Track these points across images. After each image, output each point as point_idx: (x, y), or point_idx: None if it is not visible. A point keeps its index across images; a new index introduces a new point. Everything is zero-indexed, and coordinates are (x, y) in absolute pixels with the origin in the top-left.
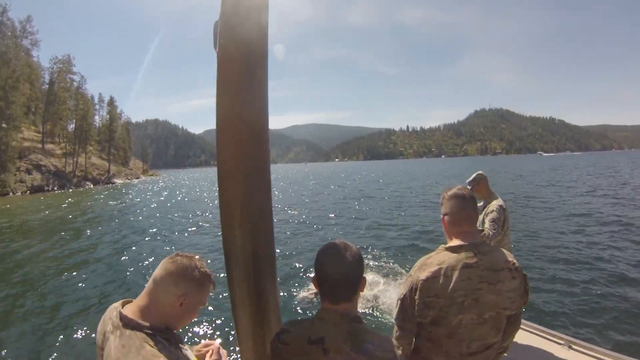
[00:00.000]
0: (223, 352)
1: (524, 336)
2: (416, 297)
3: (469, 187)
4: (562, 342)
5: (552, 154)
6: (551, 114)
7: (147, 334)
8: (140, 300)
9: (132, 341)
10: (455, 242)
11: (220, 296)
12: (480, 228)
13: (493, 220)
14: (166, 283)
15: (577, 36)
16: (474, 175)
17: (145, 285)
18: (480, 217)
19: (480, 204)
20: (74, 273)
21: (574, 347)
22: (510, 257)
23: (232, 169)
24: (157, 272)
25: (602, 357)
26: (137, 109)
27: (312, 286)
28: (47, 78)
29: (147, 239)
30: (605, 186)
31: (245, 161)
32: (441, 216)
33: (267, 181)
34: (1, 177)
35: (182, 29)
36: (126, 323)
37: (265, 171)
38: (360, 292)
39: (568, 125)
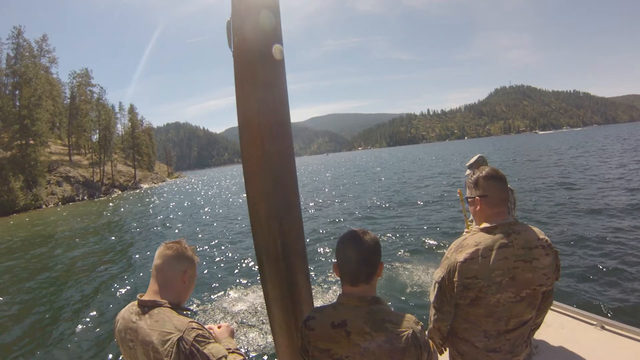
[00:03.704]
0: (231, 328)
1: (555, 318)
2: (455, 279)
3: (468, 171)
4: (594, 322)
5: (551, 132)
6: (575, 87)
7: (170, 308)
8: (152, 287)
9: (162, 315)
10: (489, 222)
11: (253, 292)
12: None
13: None
14: (170, 265)
15: (596, 5)
16: (474, 157)
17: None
18: None
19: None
20: (114, 272)
21: (606, 327)
22: (542, 235)
23: (257, 166)
24: (158, 260)
25: (636, 337)
26: (157, 115)
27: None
28: (68, 93)
29: (178, 237)
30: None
31: (269, 156)
32: (470, 198)
33: (293, 175)
34: (34, 192)
35: (194, 31)
36: (149, 306)
37: (290, 165)
38: (378, 277)
39: (593, 98)
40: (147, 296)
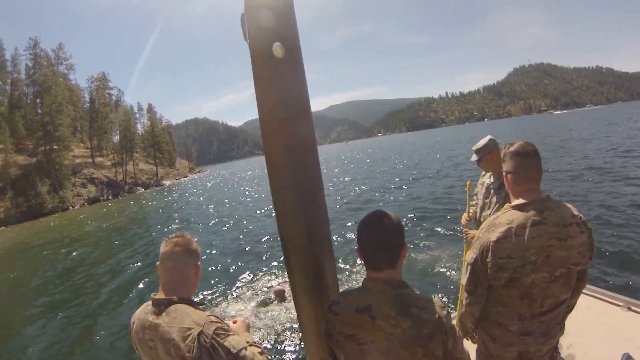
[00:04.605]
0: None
1: (580, 299)
2: (488, 259)
3: (476, 157)
4: (620, 303)
5: (564, 112)
6: (597, 62)
7: (185, 303)
8: (164, 285)
9: (180, 311)
10: (521, 199)
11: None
12: (489, 212)
13: None
14: (182, 261)
15: None
16: (484, 141)
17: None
18: (494, 198)
19: (489, 179)
20: (135, 271)
21: (633, 308)
22: (576, 211)
23: (280, 157)
24: (166, 256)
25: None
26: (175, 113)
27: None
28: (87, 97)
29: (201, 230)
30: None
31: (292, 147)
32: (504, 173)
33: (316, 163)
34: (60, 194)
35: (206, 29)
36: (165, 304)
37: (312, 154)
38: (403, 260)
39: (617, 73)
40: (161, 294)
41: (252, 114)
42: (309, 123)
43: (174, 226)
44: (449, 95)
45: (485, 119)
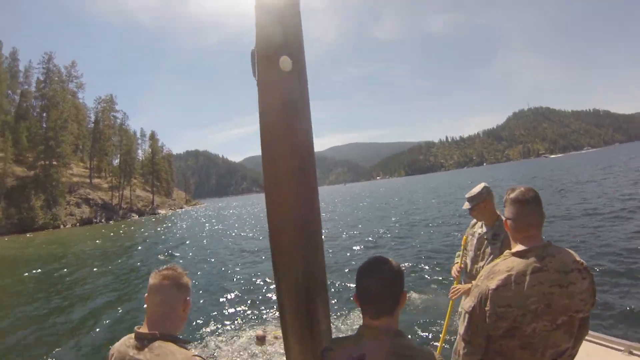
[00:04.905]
0: None
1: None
2: (487, 308)
3: (469, 206)
4: (621, 348)
5: (561, 155)
6: (595, 105)
7: (170, 340)
8: (150, 318)
9: (164, 349)
10: (521, 246)
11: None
12: (482, 263)
13: None
14: (170, 294)
15: (611, 20)
16: (478, 189)
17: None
18: (488, 249)
19: (481, 229)
20: (113, 300)
21: (634, 352)
22: (577, 257)
23: (280, 195)
24: (154, 288)
25: None
26: (176, 142)
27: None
28: (92, 117)
29: (189, 263)
30: None
31: (294, 186)
32: (503, 218)
33: (316, 205)
34: (53, 211)
35: (216, 60)
36: (149, 339)
37: (313, 195)
38: (401, 307)
39: (614, 115)
40: (145, 328)
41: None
42: (312, 164)
43: (161, 257)
44: (449, 140)
45: (484, 164)
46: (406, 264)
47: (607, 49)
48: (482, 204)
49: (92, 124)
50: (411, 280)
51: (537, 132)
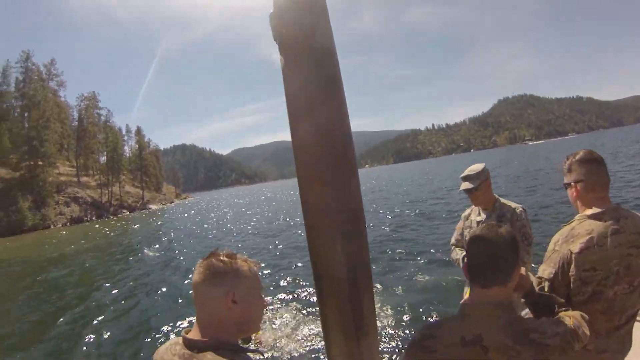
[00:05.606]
0: None
1: None
2: (571, 272)
3: (470, 186)
4: None
5: (541, 142)
6: (578, 93)
7: (227, 349)
8: (196, 321)
9: None
10: (596, 208)
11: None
12: None
13: (526, 235)
14: (203, 291)
15: (592, 7)
16: (480, 166)
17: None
18: None
19: (478, 216)
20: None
21: None
22: None
23: (317, 173)
24: (193, 286)
25: None
26: (163, 138)
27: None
28: (75, 115)
29: (189, 257)
30: None
31: (331, 162)
32: (567, 184)
33: (357, 181)
34: (42, 212)
35: (198, 57)
36: (200, 347)
37: (353, 171)
38: (515, 282)
39: (597, 102)
40: (195, 332)
41: (239, 143)
42: (349, 134)
43: (156, 254)
44: (436, 127)
45: (472, 150)
46: (417, 247)
47: (587, 40)
48: (486, 182)
49: (76, 122)
50: (420, 264)
51: (522, 118)
